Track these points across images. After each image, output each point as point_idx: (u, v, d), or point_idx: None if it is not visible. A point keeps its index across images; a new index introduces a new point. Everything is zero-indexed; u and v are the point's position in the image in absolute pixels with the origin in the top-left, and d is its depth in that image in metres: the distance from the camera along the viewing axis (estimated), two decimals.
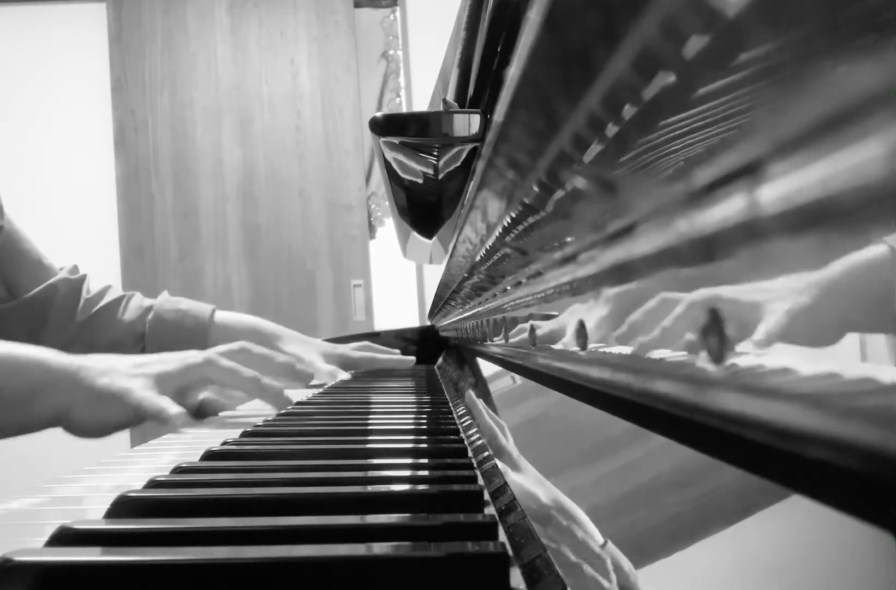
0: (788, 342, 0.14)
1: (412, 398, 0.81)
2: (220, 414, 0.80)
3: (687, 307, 0.19)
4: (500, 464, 0.39)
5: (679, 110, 0.17)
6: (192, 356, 0.75)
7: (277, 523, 0.29)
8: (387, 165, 0.57)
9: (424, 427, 0.59)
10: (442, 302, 1.26)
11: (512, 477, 0.35)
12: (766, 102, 0.14)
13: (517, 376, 0.55)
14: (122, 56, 2.77)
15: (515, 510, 0.31)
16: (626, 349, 0.25)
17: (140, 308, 1.07)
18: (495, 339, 0.63)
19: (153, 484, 0.36)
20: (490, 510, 0.33)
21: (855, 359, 0.12)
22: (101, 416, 0.69)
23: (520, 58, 0.24)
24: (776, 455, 0.15)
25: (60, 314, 1.03)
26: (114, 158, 2.76)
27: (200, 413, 0.81)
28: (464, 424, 0.58)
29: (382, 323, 2.71)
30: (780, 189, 0.14)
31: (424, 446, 0.50)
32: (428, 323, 1.65)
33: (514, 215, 0.38)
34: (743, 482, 0.17)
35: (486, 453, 0.44)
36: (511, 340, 0.53)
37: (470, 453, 0.45)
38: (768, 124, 0.14)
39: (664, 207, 0.20)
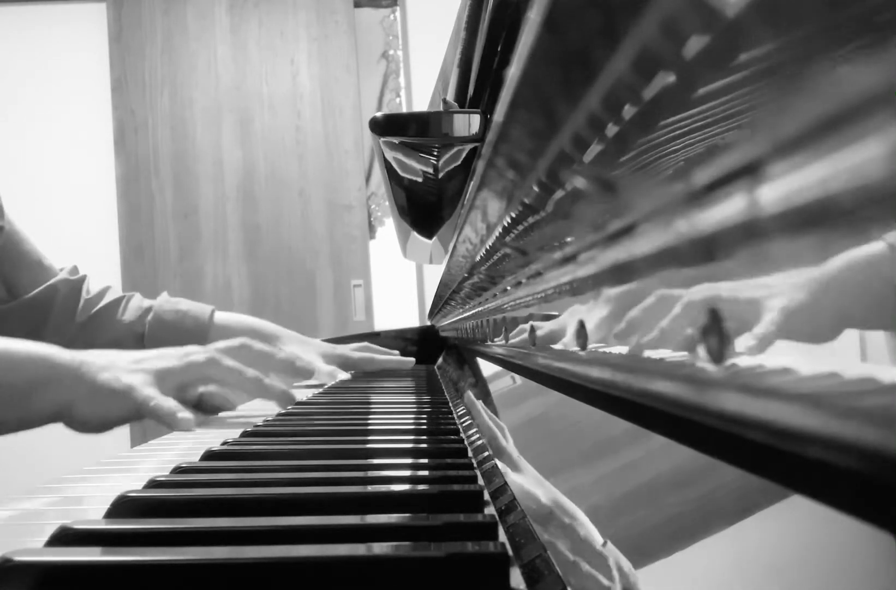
0: (788, 342, 0.14)
1: (412, 398, 0.81)
2: (220, 414, 0.80)
3: (687, 307, 0.19)
4: (500, 464, 0.39)
5: (679, 110, 0.17)
6: (194, 353, 0.75)
7: (277, 523, 0.29)
8: (387, 165, 0.57)
9: (424, 427, 0.59)
10: (442, 302, 1.26)
11: (512, 477, 0.35)
12: (766, 102, 0.14)
13: (517, 376, 0.55)
14: (122, 56, 2.77)
15: (515, 510, 0.31)
16: (626, 349, 0.25)
17: (140, 309, 1.07)
18: (495, 339, 0.63)
19: (153, 484, 0.36)
20: (490, 510, 0.33)
21: (855, 359, 0.12)
22: (103, 411, 0.69)
23: (520, 58, 0.24)
24: (776, 455, 0.15)
25: (60, 315, 1.03)
26: (114, 157, 2.77)
27: (199, 407, 0.81)
28: (464, 424, 0.58)
29: (382, 323, 2.71)
30: (780, 189, 0.14)
31: (424, 446, 0.50)
32: (428, 323, 1.65)
33: (514, 215, 0.38)
34: (743, 482, 0.17)
35: (486, 453, 0.44)
36: (511, 340, 0.53)
37: (470, 453, 0.45)
38: (768, 124, 0.14)
39: (664, 207, 0.20)
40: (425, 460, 0.43)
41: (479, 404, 0.60)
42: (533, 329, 0.43)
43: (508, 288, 0.53)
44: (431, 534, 0.28)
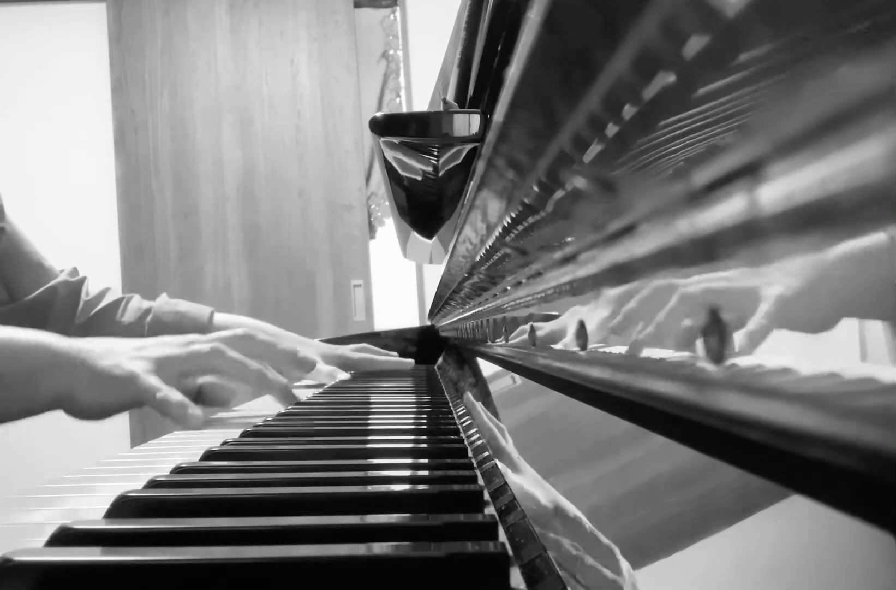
0: (788, 342, 0.14)
1: (412, 398, 0.81)
2: (220, 414, 0.80)
3: (687, 307, 0.19)
4: (500, 464, 0.39)
5: (679, 110, 0.17)
6: (197, 341, 0.74)
7: (277, 523, 0.29)
8: (387, 165, 0.57)
9: (424, 427, 0.59)
10: (442, 302, 1.26)
11: (512, 477, 0.35)
12: (766, 102, 0.14)
13: (517, 376, 0.55)
14: (122, 56, 2.77)
15: (515, 510, 0.31)
16: (626, 349, 0.25)
17: (139, 310, 1.07)
18: (496, 339, 0.63)
19: (153, 484, 0.36)
20: (490, 510, 0.33)
21: (855, 359, 0.12)
22: (104, 398, 0.69)
23: (520, 58, 0.24)
24: (776, 455, 0.15)
25: (60, 317, 1.03)
26: (114, 157, 2.77)
27: (199, 399, 0.81)
28: (464, 425, 0.58)
29: (382, 323, 2.71)
30: (780, 189, 0.14)
31: (424, 446, 0.50)
32: (428, 323, 1.65)
33: (514, 215, 0.38)
34: (743, 482, 0.17)
35: (485, 453, 0.44)
36: (511, 341, 0.53)
37: (470, 453, 0.45)
38: (768, 124, 0.14)
39: (664, 207, 0.20)
40: (425, 460, 0.43)
41: (479, 405, 0.60)
42: (533, 329, 0.43)
43: (508, 288, 0.53)
44: (431, 534, 0.28)
